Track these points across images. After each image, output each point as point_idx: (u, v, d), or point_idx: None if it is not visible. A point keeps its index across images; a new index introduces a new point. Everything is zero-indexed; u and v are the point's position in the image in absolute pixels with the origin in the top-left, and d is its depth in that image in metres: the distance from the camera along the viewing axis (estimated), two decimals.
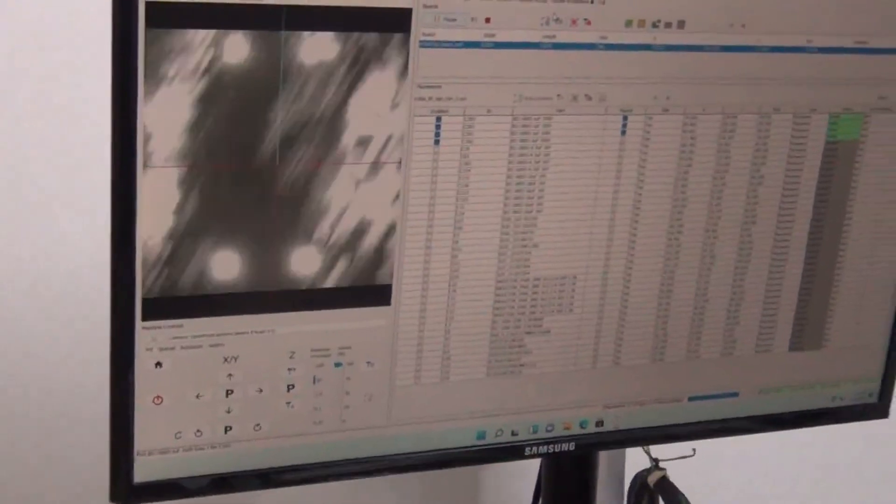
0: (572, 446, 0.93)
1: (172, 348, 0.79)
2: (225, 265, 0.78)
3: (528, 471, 1.09)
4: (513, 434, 0.90)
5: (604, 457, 1.05)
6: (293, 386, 0.82)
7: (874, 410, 1.03)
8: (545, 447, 0.92)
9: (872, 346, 1.00)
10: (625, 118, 0.85)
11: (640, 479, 1.03)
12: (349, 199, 0.79)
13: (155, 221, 0.75)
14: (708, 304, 0.93)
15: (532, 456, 0.92)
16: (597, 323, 0.90)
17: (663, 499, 1.02)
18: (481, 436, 0.90)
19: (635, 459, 1.06)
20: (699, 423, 0.96)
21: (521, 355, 0.88)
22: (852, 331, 0.99)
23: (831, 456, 1.46)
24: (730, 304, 0.93)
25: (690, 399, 0.96)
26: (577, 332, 0.89)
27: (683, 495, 1.01)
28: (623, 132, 0.85)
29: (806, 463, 1.45)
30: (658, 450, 1.03)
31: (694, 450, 0.99)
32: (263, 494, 1.15)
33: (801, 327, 0.96)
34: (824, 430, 1.40)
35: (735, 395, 0.97)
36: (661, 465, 1.03)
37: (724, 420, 0.97)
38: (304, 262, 0.80)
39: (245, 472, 0.83)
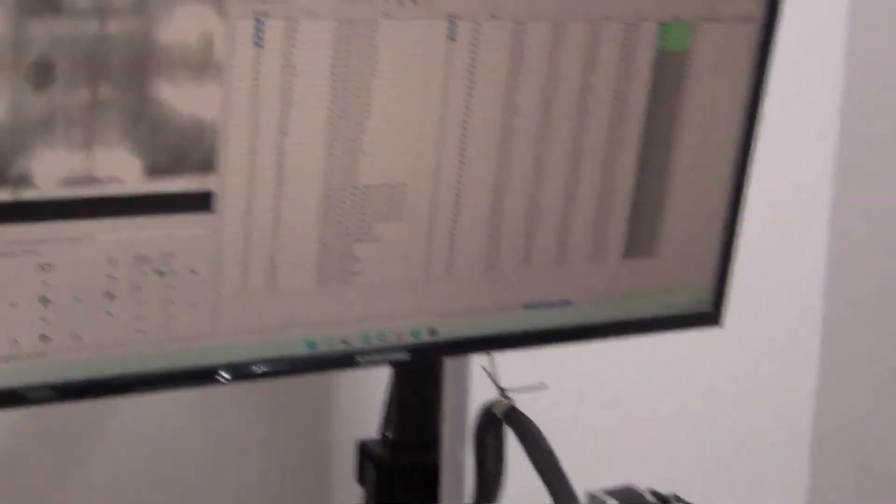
0: (406, 355, 0.93)
1: None
2: (38, 168, 0.75)
3: (380, 383, 1.10)
4: (344, 343, 0.90)
5: (449, 369, 1.05)
6: (113, 295, 0.81)
7: (708, 318, 1.05)
8: (377, 356, 0.92)
9: (705, 253, 1.02)
10: (452, 24, 0.84)
11: (487, 409, 1.01)
12: (169, 102, 0.77)
13: None
14: (541, 213, 0.93)
15: (365, 365, 0.92)
16: (428, 231, 0.90)
17: (513, 429, 0.99)
18: (312, 345, 0.89)
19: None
20: (534, 331, 0.97)
21: (352, 263, 0.88)
22: (685, 239, 1.00)
23: (679, 380, 1.49)
24: (563, 212, 0.94)
25: (525, 307, 0.96)
26: (409, 240, 0.89)
27: (533, 423, 0.99)
28: (452, 38, 0.85)
29: (656, 390, 1.47)
30: (508, 382, 1.02)
31: (543, 382, 0.98)
32: (106, 412, 1.14)
33: (635, 235, 0.98)
34: (673, 362, 1.44)
35: (569, 303, 0.98)
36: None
37: (559, 328, 0.98)
38: (122, 167, 0.78)
39: (67, 382, 0.82)
